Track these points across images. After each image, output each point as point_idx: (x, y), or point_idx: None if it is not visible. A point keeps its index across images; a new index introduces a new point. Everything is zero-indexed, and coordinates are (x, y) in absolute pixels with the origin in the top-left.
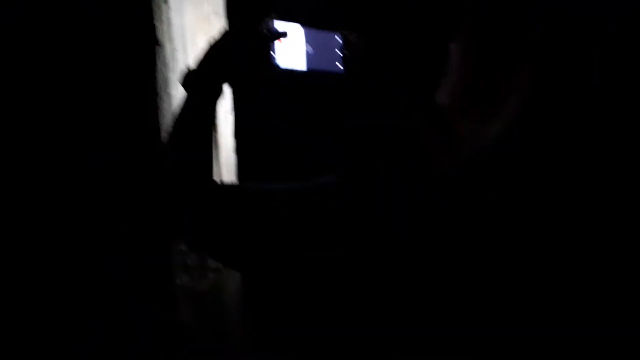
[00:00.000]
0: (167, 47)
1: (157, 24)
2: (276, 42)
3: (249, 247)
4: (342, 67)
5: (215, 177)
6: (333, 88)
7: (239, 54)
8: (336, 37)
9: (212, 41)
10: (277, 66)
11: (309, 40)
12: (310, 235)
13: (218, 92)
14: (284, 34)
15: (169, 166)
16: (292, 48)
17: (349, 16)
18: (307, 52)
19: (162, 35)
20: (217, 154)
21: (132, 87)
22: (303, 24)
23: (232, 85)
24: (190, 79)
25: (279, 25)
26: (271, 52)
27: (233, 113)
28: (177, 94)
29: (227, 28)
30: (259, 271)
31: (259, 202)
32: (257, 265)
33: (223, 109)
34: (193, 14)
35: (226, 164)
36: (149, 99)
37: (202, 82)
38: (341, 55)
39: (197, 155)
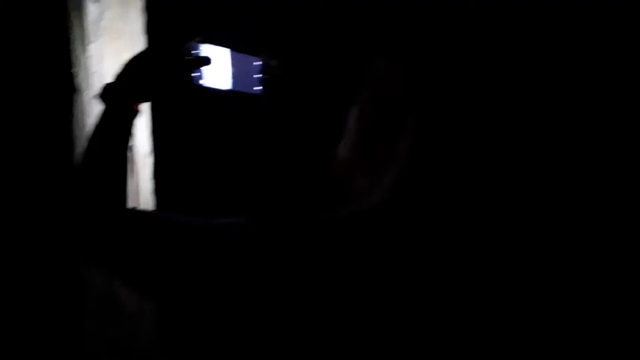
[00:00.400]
0: (85, 94)
1: (75, 71)
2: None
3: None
4: (260, 89)
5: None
6: (252, 108)
7: (155, 69)
8: (256, 61)
9: (131, 56)
10: (199, 86)
11: (232, 63)
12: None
13: (133, 109)
14: (208, 60)
15: (79, 182)
16: (218, 69)
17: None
18: (233, 74)
19: (80, 83)
20: (137, 198)
21: (49, 133)
22: (228, 48)
23: (151, 101)
24: (106, 92)
25: (206, 48)
26: (194, 73)
27: (153, 155)
28: None
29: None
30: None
31: (171, 233)
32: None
33: (142, 153)
34: (112, 62)
35: (145, 207)
36: (66, 145)
37: (117, 94)
38: (261, 78)
39: (110, 171)
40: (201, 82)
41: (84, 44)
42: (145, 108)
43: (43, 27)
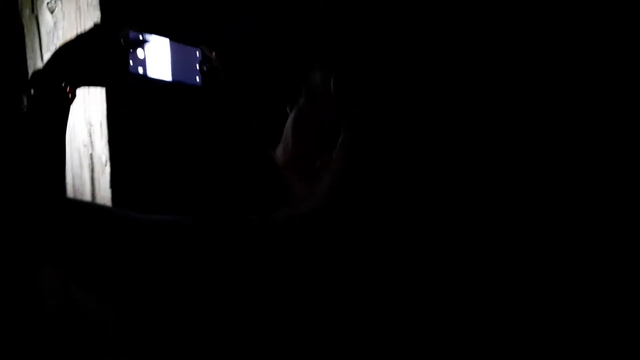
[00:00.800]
0: None
1: None
2: (145, 53)
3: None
4: (200, 80)
5: None
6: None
7: (87, 55)
8: (197, 52)
9: (63, 42)
10: (134, 74)
11: (173, 54)
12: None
13: (67, 95)
14: (138, 43)
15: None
16: (159, 60)
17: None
18: (172, 64)
19: None
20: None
21: (4, 143)
22: (168, 38)
23: (85, 85)
24: (37, 78)
25: (146, 37)
26: (132, 61)
27: (110, 164)
28: None
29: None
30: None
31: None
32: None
33: (100, 161)
34: None
35: None
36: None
37: (48, 79)
38: (199, 69)
39: (44, 156)
40: (141, 71)
41: (40, 53)
42: (101, 116)
43: None
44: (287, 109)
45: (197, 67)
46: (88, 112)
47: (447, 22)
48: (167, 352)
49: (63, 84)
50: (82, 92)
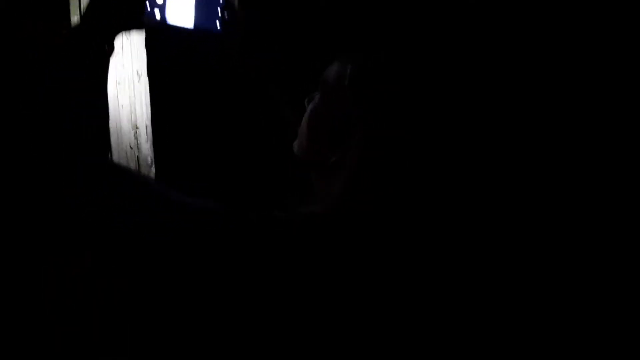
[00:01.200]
0: None
1: None
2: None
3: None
4: (220, 27)
5: None
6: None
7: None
8: None
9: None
10: (152, 19)
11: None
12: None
13: (103, 48)
14: None
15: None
16: (181, 5)
17: None
18: (195, 9)
19: None
20: None
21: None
22: None
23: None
24: (74, 34)
25: None
26: (146, 5)
27: (155, 165)
28: None
29: None
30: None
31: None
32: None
33: (146, 162)
34: None
35: None
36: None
37: (85, 33)
38: (221, 15)
39: (86, 116)
40: (159, 16)
41: None
42: (146, 120)
43: None
44: (305, 103)
45: (219, 13)
46: (134, 116)
47: (450, 23)
48: (187, 336)
49: (96, 37)
50: (127, 96)
